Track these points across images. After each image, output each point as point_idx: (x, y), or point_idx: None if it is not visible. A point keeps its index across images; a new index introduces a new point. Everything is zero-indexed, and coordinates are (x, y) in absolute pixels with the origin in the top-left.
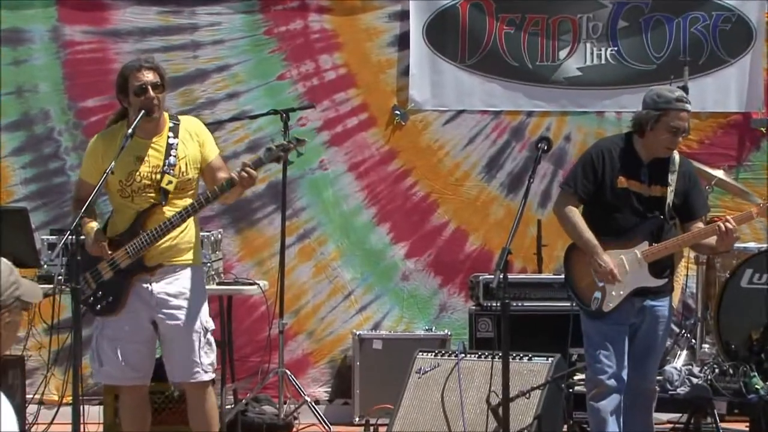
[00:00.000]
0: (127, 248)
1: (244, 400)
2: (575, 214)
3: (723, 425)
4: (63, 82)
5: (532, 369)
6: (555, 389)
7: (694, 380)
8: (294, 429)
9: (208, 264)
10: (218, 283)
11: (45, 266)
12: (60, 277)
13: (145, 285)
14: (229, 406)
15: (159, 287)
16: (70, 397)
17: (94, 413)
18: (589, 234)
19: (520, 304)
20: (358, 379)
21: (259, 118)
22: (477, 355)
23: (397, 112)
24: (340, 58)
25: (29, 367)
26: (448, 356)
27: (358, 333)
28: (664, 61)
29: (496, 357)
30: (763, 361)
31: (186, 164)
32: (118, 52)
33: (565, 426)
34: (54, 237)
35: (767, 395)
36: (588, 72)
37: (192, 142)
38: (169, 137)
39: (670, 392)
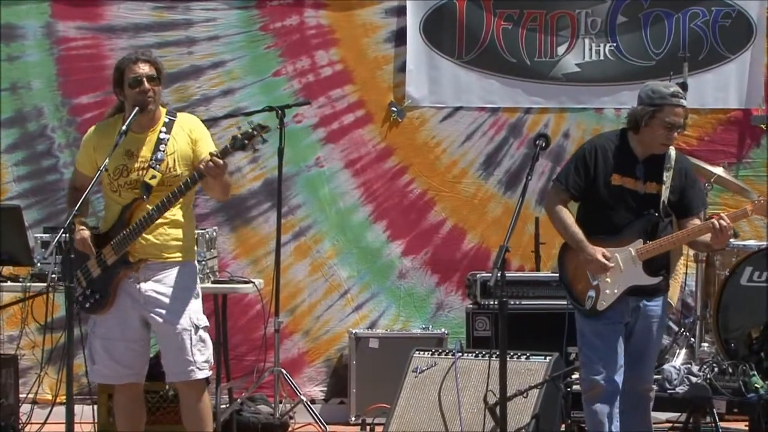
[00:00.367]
0: (112, 244)
1: (239, 400)
2: (563, 210)
3: (722, 424)
4: (56, 78)
5: (530, 368)
6: (553, 388)
7: (693, 379)
8: (290, 428)
9: (203, 262)
10: (213, 282)
11: (38, 264)
12: (54, 276)
13: (133, 283)
14: (224, 406)
15: (147, 285)
16: (64, 397)
17: (87, 413)
18: (575, 228)
19: (517, 303)
20: (355, 378)
21: (254, 115)
22: (474, 354)
23: (394, 108)
24: (336, 54)
25: (22, 366)
26: (445, 355)
27: (354, 332)
28: (663, 57)
29: (494, 356)
30: (762, 360)
31: (174, 160)
32: (112, 48)
33: (563, 425)
34: (47, 235)
35: (767, 394)
36: (587, 68)
37: (184, 139)
38: (160, 132)
39: (669, 391)
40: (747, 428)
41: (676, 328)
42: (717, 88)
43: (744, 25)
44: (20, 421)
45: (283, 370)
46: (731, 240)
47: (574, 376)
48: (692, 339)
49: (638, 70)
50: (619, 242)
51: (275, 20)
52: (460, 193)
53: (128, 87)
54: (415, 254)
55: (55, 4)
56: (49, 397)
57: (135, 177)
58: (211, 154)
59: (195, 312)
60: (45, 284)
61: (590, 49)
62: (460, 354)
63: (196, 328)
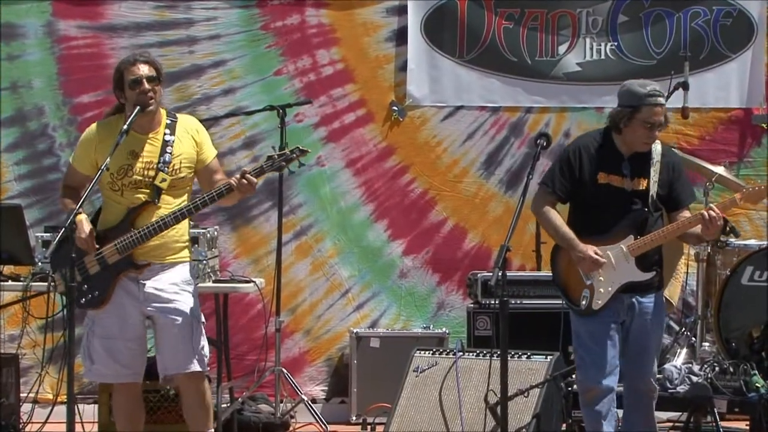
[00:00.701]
0: (116, 244)
1: (240, 399)
2: (551, 212)
3: (723, 424)
4: (57, 77)
5: (531, 367)
6: (554, 388)
7: (694, 378)
8: (291, 428)
9: (204, 261)
10: (214, 281)
11: (39, 263)
12: (53, 275)
13: (132, 281)
14: (225, 405)
15: (148, 283)
16: (65, 396)
17: (89, 412)
18: (565, 229)
19: (518, 302)
20: (356, 377)
21: (255, 114)
22: (475, 354)
23: (395, 107)
24: (337, 53)
25: (23, 365)
26: (446, 354)
27: (355, 331)
28: (664, 57)
29: (495, 355)
30: (763, 360)
31: (180, 162)
32: (113, 47)
33: (564, 425)
34: (48, 234)
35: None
36: (587, 67)
37: (188, 141)
38: (165, 134)
39: (670, 391)
40: (748, 428)
41: (677, 328)
42: (718, 88)
43: (745, 25)
44: (21, 421)
45: (284, 369)
46: (733, 239)
47: (574, 376)
48: (693, 338)
49: (639, 70)
50: (610, 240)
51: (276, 19)
52: (461, 193)
53: (128, 88)
54: (416, 253)
55: (56, 3)
56: (50, 396)
57: (139, 178)
58: (245, 171)
59: (195, 307)
60: (46, 283)
61: (591, 49)
62: (461, 353)
63: (198, 322)
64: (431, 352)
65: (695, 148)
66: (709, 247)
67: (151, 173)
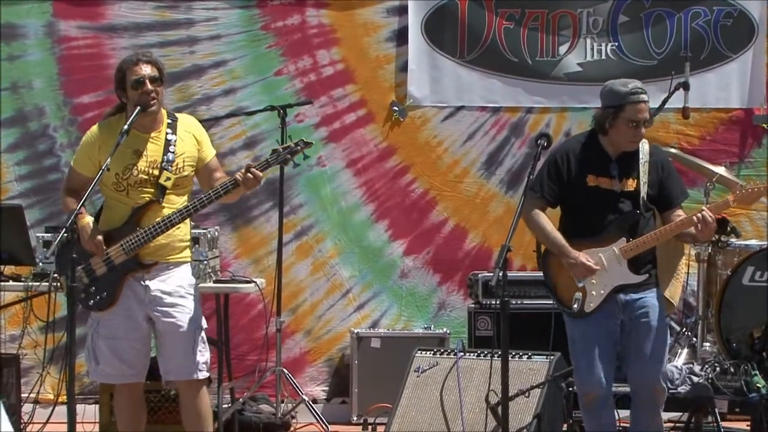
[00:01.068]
0: (122, 244)
1: (241, 399)
2: (541, 216)
3: (724, 424)
4: (58, 78)
5: (532, 368)
6: (554, 388)
7: (695, 379)
8: (291, 428)
9: (205, 261)
10: (215, 281)
11: (40, 264)
12: (55, 275)
13: (139, 282)
14: (226, 405)
15: (154, 284)
16: (66, 396)
17: (89, 412)
18: (555, 234)
19: (519, 302)
20: (356, 377)
21: (255, 115)
22: (476, 354)
23: (396, 108)
24: (337, 53)
25: (24, 365)
26: (447, 355)
27: (356, 331)
28: (665, 57)
29: (496, 355)
30: (764, 360)
31: (183, 161)
32: (114, 47)
33: (565, 425)
34: (49, 234)
35: None
36: (588, 67)
37: (190, 140)
38: (167, 133)
39: (670, 391)
40: (749, 428)
41: (678, 328)
42: (719, 88)
43: (745, 25)
44: (22, 421)
45: (284, 369)
46: (733, 240)
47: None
48: (694, 339)
49: (640, 70)
50: (602, 242)
51: (277, 19)
52: (461, 193)
53: (131, 88)
54: (416, 254)
55: (56, 3)
56: (51, 396)
57: (144, 177)
58: (249, 166)
59: (198, 313)
60: (47, 283)
61: (592, 49)
62: (462, 354)
63: (200, 328)
64: (432, 352)
65: (696, 149)
66: (709, 248)
67: (156, 172)
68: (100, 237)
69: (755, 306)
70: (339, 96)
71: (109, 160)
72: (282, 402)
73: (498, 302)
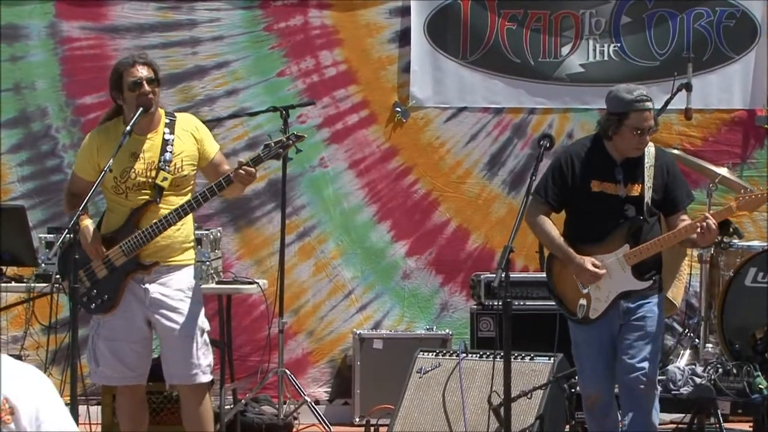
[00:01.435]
0: (122, 246)
1: (243, 400)
2: (546, 222)
3: (726, 425)
4: (60, 78)
5: (534, 369)
6: (557, 389)
7: (698, 380)
8: (294, 429)
9: (207, 263)
10: (217, 282)
11: (43, 265)
12: (57, 276)
13: (140, 284)
14: (228, 407)
15: (154, 287)
16: (68, 397)
17: (92, 413)
18: (561, 240)
19: (522, 303)
20: (359, 379)
21: (258, 116)
22: (478, 355)
23: (398, 109)
24: (340, 54)
25: None
26: (450, 356)
27: (358, 332)
28: (667, 58)
29: (498, 357)
30: (766, 361)
31: (182, 161)
32: (116, 48)
33: (567, 426)
34: (52, 235)
35: None
36: (590, 68)
37: (189, 139)
38: (164, 133)
39: (673, 392)
40: (751, 429)
41: (681, 329)
42: (721, 89)
43: (748, 26)
44: None
45: (287, 370)
46: (736, 241)
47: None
48: (696, 340)
49: (642, 71)
50: (605, 248)
51: (279, 20)
52: (464, 194)
53: (128, 90)
54: (419, 255)
55: (58, 4)
56: None
57: (142, 179)
58: (241, 162)
59: (200, 316)
60: (49, 285)
61: (594, 50)
62: (465, 355)
63: (202, 331)
64: (434, 353)
65: (698, 150)
66: (712, 249)
67: (153, 173)
68: (96, 237)
69: (757, 307)
70: (341, 97)
71: (111, 162)
72: (284, 403)
73: (500, 303)
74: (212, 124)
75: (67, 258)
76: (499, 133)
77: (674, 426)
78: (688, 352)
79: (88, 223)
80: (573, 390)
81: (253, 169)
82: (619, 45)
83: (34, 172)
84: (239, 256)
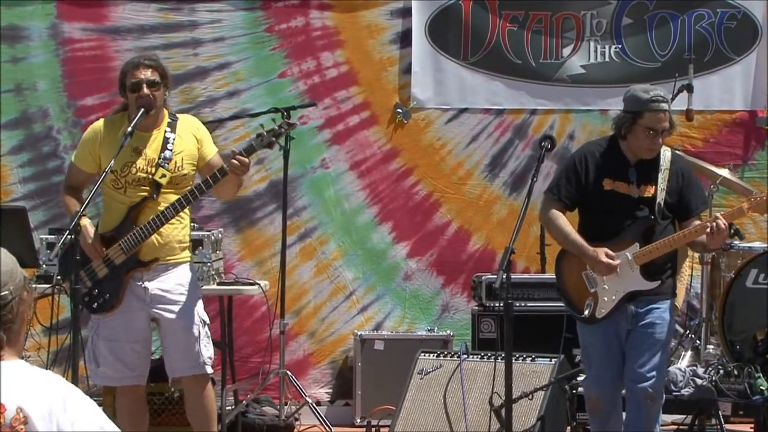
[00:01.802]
0: (120, 244)
1: (244, 401)
2: (559, 217)
3: (728, 426)
4: (62, 79)
5: (536, 370)
6: (558, 390)
7: (699, 381)
8: (295, 430)
9: (209, 264)
10: (218, 283)
11: (44, 266)
12: (59, 277)
13: (139, 283)
14: (229, 408)
15: (153, 285)
16: None
17: None
18: (575, 235)
19: (523, 305)
20: (360, 380)
21: (259, 117)
22: (480, 356)
23: (399, 110)
24: (341, 55)
25: None
26: (451, 357)
27: (359, 333)
28: (668, 59)
29: (499, 358)
30: (767, 362)
31: (182, 159)
32: (118, 49)
33: (569, 427)
34: (53, 236)
35: None
36: (592, 70)
37: (190, 139)
38: (166, 131)
39: (674, 393)
40: (752, 430)
41: (682, 331)
42: (722, 90)
43: (749, 27)
44: None
45: (288, 371)
46: (737, 242)
47: (579, 378)
48: (697, 341)
49: (643, 72)
50: (615, 247)
51: (280, 21)
52: (465, 195)
53: (129, 91)
54: (420, 256)
55: (60, 5)
56: None
57: (142, 175)
58: (234, 152)
59: (201, 308)
60: (50, 286)
61: (595, 51)
62: (466, 356)
63: (204, 323)
64: (436, 354)
65: (699, 151)
66: None
67: (152, 170)
68: (94, 237)
69: (759, 308)
70: (343, 98)
71: (112, 162)
72: (285, 404)
73: (501, 304)
74: (213, 125)
75: (68, 259)
76: (500, 134)
77: (675, 427)
78: (689, 353)
79: (87, 223)
80: (574, 391)
81: (246, 159)
82: (620, 46)
83: (35, 173)
84: (240, 258)
